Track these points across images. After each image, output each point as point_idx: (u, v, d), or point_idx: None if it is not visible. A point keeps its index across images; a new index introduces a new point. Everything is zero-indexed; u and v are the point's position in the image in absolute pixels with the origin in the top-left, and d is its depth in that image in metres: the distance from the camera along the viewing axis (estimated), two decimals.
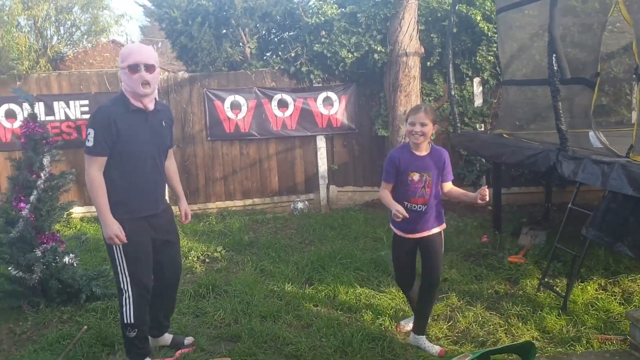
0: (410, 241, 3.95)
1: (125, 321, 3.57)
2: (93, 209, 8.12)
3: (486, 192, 3.70)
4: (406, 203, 3.83)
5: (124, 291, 3.56)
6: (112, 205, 3.46)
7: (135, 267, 3.56)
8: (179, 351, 3.96)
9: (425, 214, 3.86)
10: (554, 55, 4.89)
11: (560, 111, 4.93)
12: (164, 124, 3.73)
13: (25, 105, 7.73)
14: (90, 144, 3.38)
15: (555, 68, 4.92)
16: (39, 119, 4.96)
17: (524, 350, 2.77)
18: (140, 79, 3.42)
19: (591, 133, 4.99)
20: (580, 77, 5.53)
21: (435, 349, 3.91)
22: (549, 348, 3.85)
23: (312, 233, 7.14)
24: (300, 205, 8.58)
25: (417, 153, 3.83)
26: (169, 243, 3.83)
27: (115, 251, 3.52)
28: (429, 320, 4.15)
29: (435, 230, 3.92)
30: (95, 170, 3.42)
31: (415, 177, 3.82)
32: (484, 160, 8.61)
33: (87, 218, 8.24)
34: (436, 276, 3.94)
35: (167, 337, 4.11)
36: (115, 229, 3.41)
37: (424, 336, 4.04)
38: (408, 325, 4.26)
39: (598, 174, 4.34)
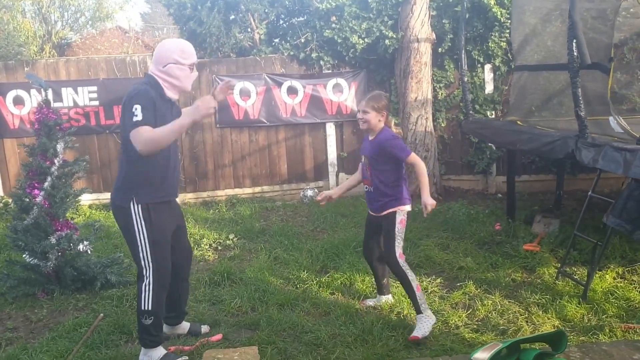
0: (371, 217, 4.36)
1: (143, 308, 3.54)
2: (102, 196, 8.16)
3: (429, 210, 3.90)
4: (363, 186, 4.36)
5: (145, 277, 3.53)
6: (140, 188, 3.46)
7: (158, 253, 3.53)
8: (200, 340, 3.93)
9: (373, 194, 4.20)
10: (575, 40, 4.81)
11: (580, 97, 4.86)
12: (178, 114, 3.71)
13: (34, 92, 7.76)
14: (139, 117, 3.24)
15: (575, 54, 4.84)
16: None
17: (555, 339, 2.73)
18: (193, 77, 3.58)
19: (611, 118, 4.93)
20: (596, 62, 5.47)
21: (420, 331, 3.92)
22: (571, 337, 3.82)
23: (323, 221, 7.10)
24: (309, 192, 8.43)
25: (370, 138, 4.22)
26: (180, 227, 3.86)
27: (138, 237, 3.48)
28: (420, 299, 4.01)
29: (388, 211, 4.14)
30: (147, 132, 3.25)
31: (363, 159, 4.27)
32: (494, 148, 8.56)
33: (95, 205, 8.21)
34: (387, 254, 4.14)
35: (185, 325, 4.10)
36: (206, 101, 3.33)
37: (420, 314, 4.00)
38: (370, 302, 4.54)
39: (620, 161, 4.27)
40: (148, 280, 3.53)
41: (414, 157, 4.04)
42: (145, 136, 3.23)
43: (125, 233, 3.56)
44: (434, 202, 3.92)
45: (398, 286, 4.84)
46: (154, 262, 3.51)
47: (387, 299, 4.55)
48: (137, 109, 3.27)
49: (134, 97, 3.33)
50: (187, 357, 3.71)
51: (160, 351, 3.65)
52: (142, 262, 3.51)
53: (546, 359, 2.67)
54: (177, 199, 7.56)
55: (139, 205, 3.45)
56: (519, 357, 2.72)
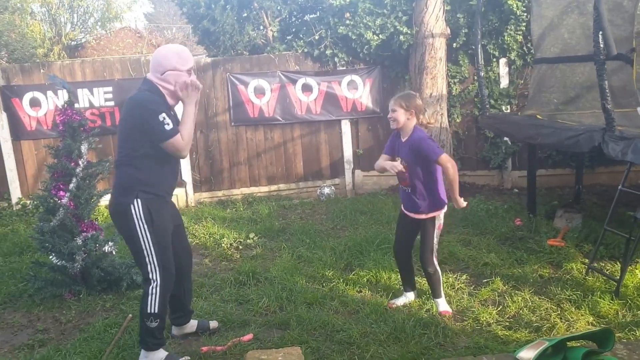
0: (407, 217, 4.31)
1: (149, 311, 3.51)
2: None
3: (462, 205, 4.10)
4: (400, 185, 4.31)
5: (152, 280, 3.52)
6: (141, 188, 3.47)
7: (163, 254, 3.53)
8: (232, 340, 3.91)
9: (412, 195, 4.17)
10: (601, 32, 4.77)
11: (607, 90, 4.81)
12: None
13: (50, 93, 7.75)
14: (170, 125, 3.41)
15: (602, 45, 4.79)
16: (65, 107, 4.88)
17: (601, 337, 2.70)
18: (196, 90, 3.61)
19: (639, 108, 4.88)
20: (619, 53, 5.42)
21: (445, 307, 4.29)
22: None
23: (343, 218, 7.08)
24: (327, 190, 8.51)
25: (402, 139, 4.19)
26: (179, 227, 3.88)
27: (142, 240, 3.47)
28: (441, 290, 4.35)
29: (426, 216, 4.18)
30: (180, 141, 3.46)
31: (400, 161, 4.17)
32: (509, 143, 8.51)
33: None
34: (424, 256, 4.25)
35: (193, 323, 4.09)
36: (195, 84, 3.58)
37: (439, 299, 4.34)
38: (398, 302, 4.49)
39: None
40: (156, 282, 3.52)
41: (444, 159, 3.98)
42: (185, 141, 3.46)
43: (128, 237, 3.55)
44: (465, 204, 4.05)
45: (424, 283, 4.82)
46: (159, 264, 3.50)
47: (411, 296, 4.56)
48: (165, 118, 3.42)
49: (150, 105, 3.42)
50: (188, 358, 3.69)
51: (162, 353, 3.64)
52: (149, 266, 3.50)
53: (594, 358, 2.64)
54: (192, 198, 7.55)
55: (140, 206, 3.45)
56: (566, 355, 2.69)
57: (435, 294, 4.35)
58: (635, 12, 6.52)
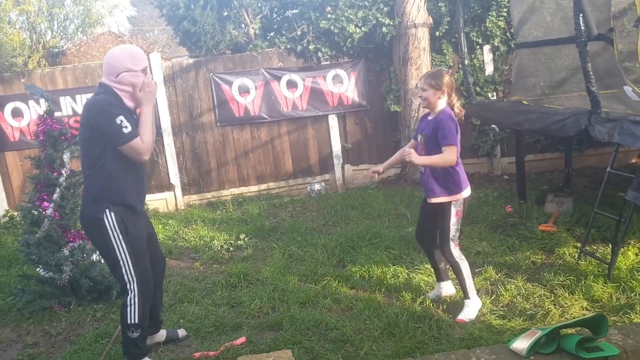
0: (426, 203, 4.12)
1: (130, 322, 3.47)
2: None
3: (406, 153, 3.83)
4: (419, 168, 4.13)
5: (129, 291, 3.47)
6: (113, 196, 3.40)
7: (140, 264, 3.48)
8: (224, 345, 3.86)
9: (427, 178, 3.98)
10: (581, 14, 4.74)
11: (590, 72, 4.79)
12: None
13: (32, 103, 7.66)
14: (129, 128, 3.31)
15: (582, 27, 4.76)
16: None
17: (595, 323, 2.68)
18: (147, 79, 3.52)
19: (626, 87, 4.85)
20: (601, 33, 5.40)
21: (467, 315, 4.00)
22: None
23: (334, 214, 7.03)
24: (317, 186, 8.46)
25: (429, 117, 4.03)
26: (152, 236, 3.81)
27: (118, 250, 3.41)
28: (469, 286, 4.05)
29: (440, 199, 3.97)
30: (140, 144, 3.37)
31: (419, 138, 4.06)
32: (497, 130, 8.49)
33: None
34: (442, 244, 4.06)
35: (162, 333, 4.02)
36: (151, 84, 3.50)
37: (468, 299, 4.06)
38: (432, 295, 4.39)
39: (638, 134, 4.21)
40: (133, 293, 3.46)
41: (449, 148, 3.80)
42: (145, 144, 3.37)
43: (102, 248, 3.49)
44: (415, 162, 3.80)
45: (416, 275, 4.80)
46: (137, 274, 3.45)
47: (446, 286, 4.40)
48: (123, 120, 3.33)
49: (106, 108, 3.34)
50: None
51: None
52: (125, 276, 3.45)
53: (588, 344, 2.62)
54: (181, 201, 7.48)
55: (113, 216, 3.39)
56: (560, 344, 2.66)
57: (464, 293, 4.07)
58: None
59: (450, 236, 3.98)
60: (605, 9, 6.53)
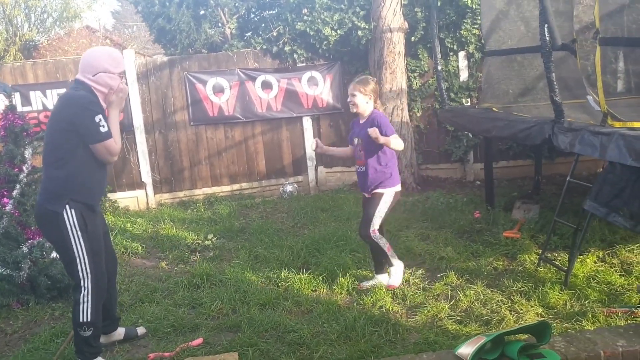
0: (365, 198, 4.65)
1: (82, 320, 3.45)
2: None
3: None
4: (355, 166, 4.64)
5: (82, 288, 3.45)
6: (75, 192, 3.40)
7: (95, 262, 3.47)
8: (180, 346, 3.84)
9: (365, 175, 4.47)
10: (546, 24, 4.79)
11: (554, 82, 4.85)
12: None
13: (1, 97, 7.53)
14: (105, 128, 3.38)
15: (548, 38, 4.82)
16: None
17: (539, 330, 2.71)
18: (122, 97, 3.59)
19: (589, 97, 4.93)
20: (564, 43, 5.47)
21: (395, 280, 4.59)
22: (554, 324, 3.80)
23: (303, 216, 7.04)
24: (289, 188, 8.46)
25: (360, 121, 4.53)
26: (106, 234, 3.83)
27: (75, 247, 3.40)
28: (391, 256, 4.60)
29: (377, 191, 4.46)
30: (114, 145, 3.44)
31: (355, 141, 4.55)
32: (470, 136, 8.55)
33: None
34: (362, 229, 4.52)
35: (120, 331, 4.00)
36: (123, 89, 3.58)
37: (392, 266, 4.63)
38: (367, 284, 4.73)
39: (596, 145, 4.26)
40: (86, 290, 3.45)
41: (394, 136, 4.30)
42: (116, 146, 3.45)
43: (59, 244, 3.48)
44: (380, 141, 4.22)
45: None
46: (92, 271, 3.44)
47: (383, 278, 4.76)
48: (101, 119, 3.37)
49: (88, 105, 3.36)
50: None
51: None
52: (80, 273, 3.43)
53: (531, 351, 2.65)
54: (153, 200, 7.44)
55: (73, 212, 3.38)
56: (503, 350, 2.69)
57: (388, 263, 4.61)
58: (573, 3, 6.63)
59: (372, 222, 4.44)
60: (570, 18, 6.61)
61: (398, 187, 4.53)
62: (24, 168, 4.64)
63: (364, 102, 4.40)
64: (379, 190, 4.45)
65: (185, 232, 6.68)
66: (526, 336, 2.87)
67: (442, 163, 8.85)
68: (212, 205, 8.02)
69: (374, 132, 4.17)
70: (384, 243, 4.53)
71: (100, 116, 3.36)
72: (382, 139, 4.19)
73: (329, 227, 6.36)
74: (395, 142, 4.28)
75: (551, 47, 4.79)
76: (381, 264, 4.77)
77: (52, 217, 3.39)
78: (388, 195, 4.45)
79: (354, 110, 4.47)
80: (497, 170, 8.30)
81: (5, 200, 4.56)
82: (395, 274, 4.65)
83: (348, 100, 4.48)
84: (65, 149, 3.38)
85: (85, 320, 3.44)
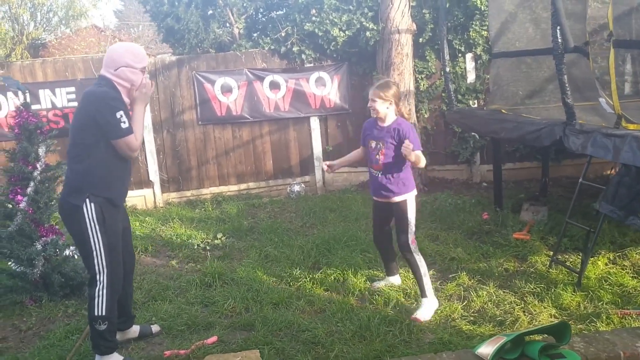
0: (378, 203, 4.46)
1: (97, 313, 3.48)
2: None
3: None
4: (369, 168, 4.41)
5: (98, 282, 3.48)
6: (96, 186, 3.44)
7: (112, 256, 3.51)
8: (195, 344, 3.85)
9: (381, 181, 4.27)
10: (558, 26, 4.81)
11: (566, 84, 4.87)
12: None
13: (10, 95, 7.56)
14: (127, 124, 3.41)
15: (560, 40, 4.84)
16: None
17: (559, 331, 2.73)
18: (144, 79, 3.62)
19: (601, 99, 4.94)
20: (577, 45, 5.49)
21: (422, 314, 4.14)
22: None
23: (312, 216, 7.05)
24: (297, 187, 8.48)
25: (380, 124, 4.30)
26: (126, 230, 3.85)
27: (93, 241, 3.44)
28: (426, 284, 4.24)
29: (397, 199, 4.26)
30: (134, 141, 3.46)
31: (372, 144, 4.31)
32: (477, 137, 8.57)
33: None
34: (401, 240, 4.26)
35: (135, 329, 4.03)
36: (148, 85, 3.61)
37: (425, 298, 4.23)
38: (379, 284, 4.72)
39: (609, 147, 4.28)
40: (102, 284, 3.48)
41: (419, 152, 4.13)
42: (138, 142, 3.48)
43: (78, 237, 3.51)
44: (410, 158, 4.05)
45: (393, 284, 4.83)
46: (109, 266, 3.47)
47: (395, 279, 4.76)
48: (122, 115, 3.41)
49: (110, 101, 3.40)
50: None
51: (116, 357, 3.59)
52: (97, 267, 3.47)
53: (551, 351, 2.66)
54: (160, 199, 7.46)
55: (93, 206, 3.41)
56: (524, 350, 2.71)
57: (420, 289, 4.26)
58: (586, 5, 6.64)
59: (409, 230, 4.24)
60: (583, 19, 6.62)
61: (415, 191, 4.37)
62: (38, 166, 4.64)
63: (384, 108, 4.19)
64: (400, 198, 4.25)
65: (194, 231, 6.69)
66: (544, 336, 2.88)
67: (449, 164, 8.86)
68: (220, 204, 8.04)
69: (407, 149, 3.96)
70: (421, 263, 4.24)
71: (121, 112, 3.40)
72: (413, 157, 4.02)
73: (338, 227, 6.37)
74: (423, 160, 4.13)
75: (563, 50, 4.81)
76: (391, 267, 4.75)
77: (73, 211, 3.43)
78: (411, 200, 4.28)
79: (375, 116, 4.30)
80: (504, 172, 8.27)
81: (20, 197, 4.57)
82: (427, 308, 4.19)
83: (368, 105, 4.27)
84: (86, 144, 3.42)
85: (100, 314, 3.46)
